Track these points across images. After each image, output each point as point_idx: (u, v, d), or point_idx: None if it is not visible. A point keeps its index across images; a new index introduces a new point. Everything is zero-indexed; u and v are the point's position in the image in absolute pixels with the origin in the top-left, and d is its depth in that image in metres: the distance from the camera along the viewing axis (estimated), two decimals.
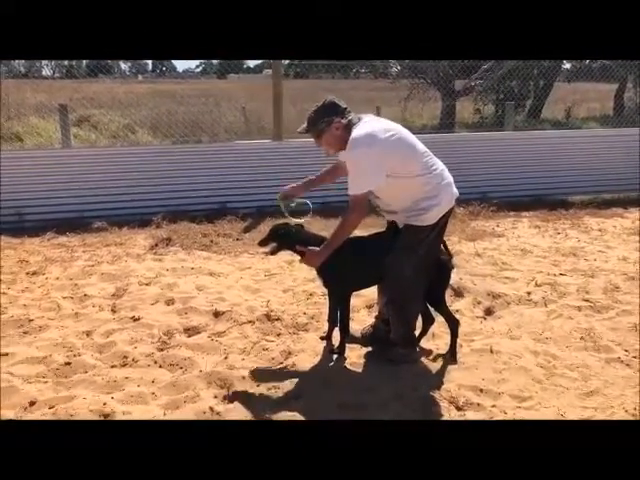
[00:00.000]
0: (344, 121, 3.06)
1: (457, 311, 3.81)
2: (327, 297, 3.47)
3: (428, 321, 3.47)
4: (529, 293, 4.39)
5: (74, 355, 3.39)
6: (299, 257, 3.24)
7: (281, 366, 3.29)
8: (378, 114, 11.63)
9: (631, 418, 2.78)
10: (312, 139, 3.18)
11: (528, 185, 7.84)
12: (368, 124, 3.06)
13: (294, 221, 3.38)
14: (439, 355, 3.42)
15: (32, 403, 2.88)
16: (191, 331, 3.74)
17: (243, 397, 2.97)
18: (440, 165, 3.21)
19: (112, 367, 3.27)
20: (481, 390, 3.04)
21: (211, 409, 2.82)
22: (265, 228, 5.29)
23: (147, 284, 4.55)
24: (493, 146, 7.96)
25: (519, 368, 3.26)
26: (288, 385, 3.09)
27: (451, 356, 3.36)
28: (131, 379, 3.12)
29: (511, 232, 6.29)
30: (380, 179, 2.99)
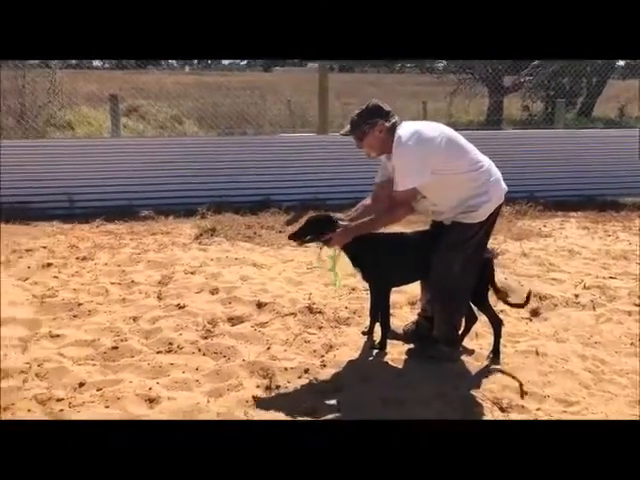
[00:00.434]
0: (387, 124, 3.05)
1: (502, 311, 3.75)
2: (368, 292, 3.46)
3: (470, 320, 3.42)
4: (577, 295, 4.28)
5: (121, 340, 3.48)
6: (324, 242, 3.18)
7: (322, 359, 3.31)
8: (424, 109, 11.60)
9: None
10: None
11: (577, 185, 7.66)
12: (412, 125, 3.07)
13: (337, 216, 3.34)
14: (482, 355, 3.37)
15: (81, 384, 2.96)
16: (235, 320, 3.79)
17: (285, 388, 2.99)
18: (487, 161, 3.17)
19: (158, 353, 3.34)
20: (526, 392, 2.98)
21: (254, 398, 2.85)
22: None
23: (192, 273, 4.63)
24: (542, 144, 7.78)
25: (566, 372, 3.18)
26: (329, 378, 3.10)
27: (494, 356, 3.31)
28: (176, 365, 3.18)
29: (559, 232, 6.15)
30: (426, 176, 2.97)
